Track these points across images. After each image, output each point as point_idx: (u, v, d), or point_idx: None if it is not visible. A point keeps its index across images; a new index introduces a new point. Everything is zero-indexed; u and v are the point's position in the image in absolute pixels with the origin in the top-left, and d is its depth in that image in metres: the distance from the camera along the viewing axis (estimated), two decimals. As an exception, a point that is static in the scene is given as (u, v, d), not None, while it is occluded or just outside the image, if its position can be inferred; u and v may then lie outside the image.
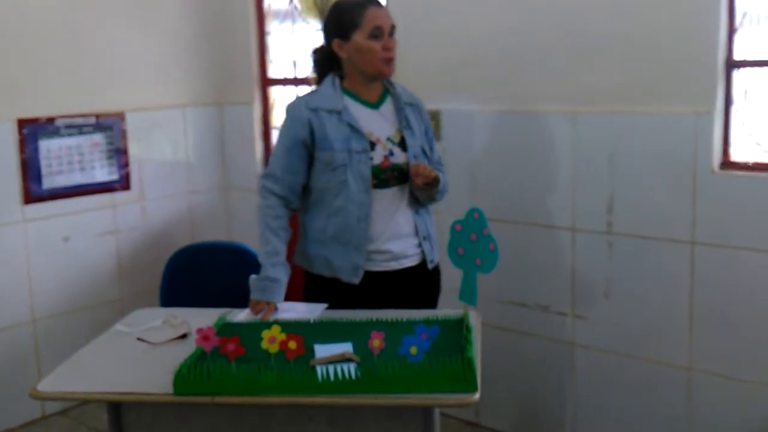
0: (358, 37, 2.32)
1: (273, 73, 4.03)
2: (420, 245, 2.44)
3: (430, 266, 2.46)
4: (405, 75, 3.32)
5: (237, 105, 4.06)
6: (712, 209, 2.67)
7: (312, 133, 2.34)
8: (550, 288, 3.07)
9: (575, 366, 3.06)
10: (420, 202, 2.43)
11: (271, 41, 4.02)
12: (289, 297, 2.39)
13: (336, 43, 2.37)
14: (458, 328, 2.08)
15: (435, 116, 3.25)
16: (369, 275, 2.38)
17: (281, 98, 4.05)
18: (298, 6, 3.90)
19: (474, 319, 2.16)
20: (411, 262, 2.43)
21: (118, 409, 2.00)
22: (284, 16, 3.96)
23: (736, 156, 2.70)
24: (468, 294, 2.05)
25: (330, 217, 2.36)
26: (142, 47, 3.77)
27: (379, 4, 2.38)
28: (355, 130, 2.33)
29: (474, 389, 1.80)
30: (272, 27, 4.01)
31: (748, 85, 2.66)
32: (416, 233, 2.43)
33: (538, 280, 3.11)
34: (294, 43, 3.94)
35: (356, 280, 2.36)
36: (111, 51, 3.65)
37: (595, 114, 2.88)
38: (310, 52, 2.51)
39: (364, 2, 2.34)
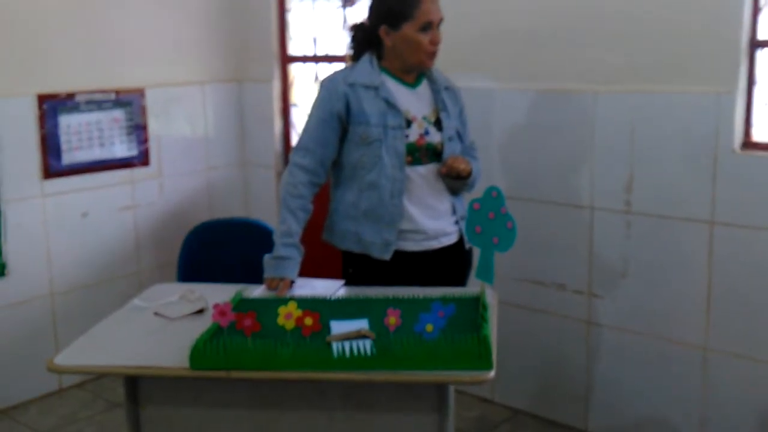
0: (408, 29, 2.31)
1: (293, 50, 4.02)
2: (457, 222, 2.44)
3: (467, 245, 2.46)
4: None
5: (256, 82, 4.05)
6: (732, 189, 2.65)
7: (348, 106, 2.34)
8: (567, 267, 3.06)
9: (591, 344, 3.05)
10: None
11: (291, 18, 4.00)
12: (324, 276, 2.40)
13: (383, 29, 2.35)
14: (475, 306, 2.08)
15: (453, 94, 3.23)
16: (405, 255, 2.38)
17: (301, 75, 4.03)
18: (317, -18, 3.88)
19: (491, 298, 2.15)
20: (450, 240, 2.44)
21: (134, 382, 2.02)
22: (304, -8, 3.94)
23: (757, 136, 2.66)
24: (485, 272, 2.05)
25: (363, 191, 2.36)
26: (161, 23, 3.77)
27: None
28: (391, 105, 2.33)
29: (489, 367, 1.80)
30: (292, 4, 3.99)
31: (773, 64, 2.62)
32: (453, 212, 2.44)
33: (555, 259, 3.10)
34: (314, 21, 3.92)
35: (387, 256, 2.35)
36: (131, 27, 3.65)
37: (616, 93, 2.85)
38: (348, 27, 2.49)
39: None
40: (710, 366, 2.77)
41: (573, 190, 3.00)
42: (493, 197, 1.99)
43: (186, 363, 1.85)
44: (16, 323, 3.39)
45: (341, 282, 2.35)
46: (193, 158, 3.96)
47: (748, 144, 2.66)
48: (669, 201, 2.78)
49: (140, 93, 3.70)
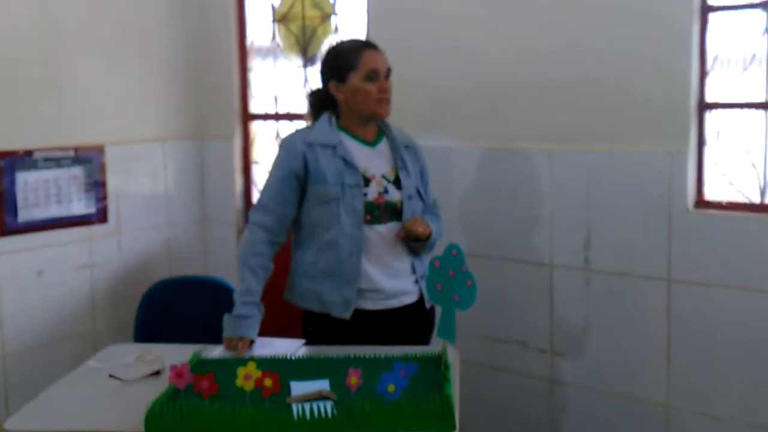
0: (355, 80, 2.36)
1: (254, 108, 4.04)
2: (417, 282, 2.44)
3: (428, 305, 2.46)
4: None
5: (217, 139, 4.06)
6: (687, 247, 2.70)
7: (306, 166, 2.36)
8: (528, 324, 3.08)
9: (554, 402, 3.05)
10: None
11: (253, 77, 4.04)
12: (284, 335, 2.37)
13: (332, 84, 2.40)
14: (437, 365, 2.07)
15: (414, 153, 3.28)
16: (365, 313, 2.37)
17: (262, 133, 4.06)
18: (281, 43, 3.93)
19: (452, 356, 2.15)
20: (410, 299, 2.43)
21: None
22: (266, 52, 3.99)
23: (710, 195, 2.74)
24: (446, 330, 2.04)
25: (321, 250, 2.36)
26: (122, 80, 3.77)
27: (375, 46, 2.42)
28: (349, 164, 2.35)
29: (452, 427, 1.79)
30: (254, 63, 4.04)
31: (721, 126, 2.71)
32: (413, 271, 2.44)
33: (516, 316, 3.11)
34: (275, 79, 3.96)
35: (347, 315, 2.34)
36: (91, 84, 3.64)
37: (571, 152, 2.92)
38: (306, 94, 2.54)
39: (360, 45, 2.40)
40: (672, 423, 2.78)
41: (533, 247, 3.04)
42: (453, 255, 2.00)
43: (142, 427, 1.80)
44: (-36, 386, 3.27)
45: (301, 341, 2.33)
46: (152, 215, 3.92)
47: (701, 203, 2.73)
48: (627, 258, 2.83)
49: (100, 150, 3.67)
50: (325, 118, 2.43)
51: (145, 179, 3.90)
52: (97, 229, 3.68)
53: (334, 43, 2.49)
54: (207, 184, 4.12)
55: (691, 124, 2.69)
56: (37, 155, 3.45)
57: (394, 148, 2.45)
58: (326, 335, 2.36)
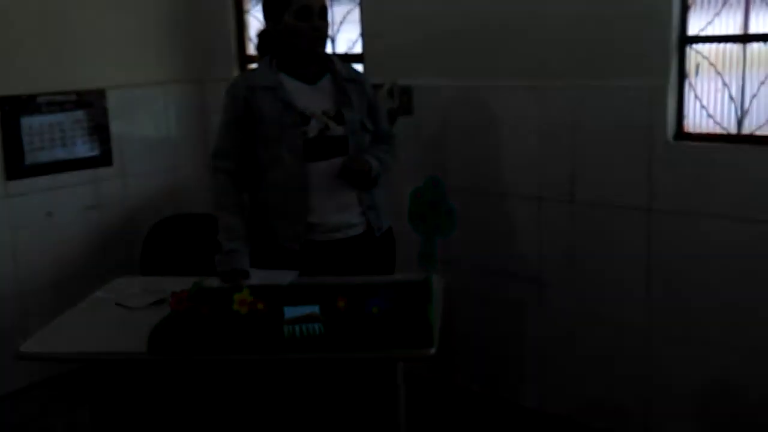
0: (288, 18, 2.41)
1: (251, 50, 4.11)
2: (364, 213, 2.53)
3: (377, 234, 2.56)
4: (378, 53, 3.45)
5: (217, 82, 4.12)
6: (667, 178, 2.79)
7: (249, 109, 2.44)
8: (517, 255, 3.20)
9: (541, 329, 3.19)
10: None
11: (250, 20, 4.09)
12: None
13: (270, 25, 2.47)
14: (420, 290, 2.20)
15: (407, 91, 3.36)
16: (314, 244, 2.47)
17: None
18: (275, -16, 3.97)
19: (436, 283, 2.27)
20: (355, 231, 2.53)
21: (97, 369, 2.10)
22: (261, -6, 4.04)
23: (690, 127, 2.82)
24: (428, 258, 2.16)
25: (269, 189, 2.47)
26: (123, 25, 3.84)
27: None
28: (287, 105, 2.42)
29: (431, 344, 1.92)
30: (250, 5, 4.09)
31: (701, 60, 2.77)
32: (360, 203, 2.52)
33: (505, 248, 3.23)
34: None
35: (296, 246, 2.45)
36: (91, 29, 3.71)
37: (556, 89, 2.99)
38: (254, 35, 2.61)
39: None
40: (653, 347, 2.92)
41: (521, 181, 3.14)
42: (434, 186, 2.11)
43: (145, 348, 1.95)
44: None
45: (295, 272, 2.44)
46: (156, 157, 4.03)
47: (681, 134, 2.81)
48: (610, 190, 2.92)
49: (101, 94, 3.77)
50: (265, 61, 2.50)
51: (148, 122, 4.00)
52: (102, 171, 3.80)
53: None
54: (208, 126, 4.21)
55: (672, 57, 2.75)
56: (40, 100, 3.55)
57: (338, 84, 2.51)
58: (280, 265, 2.46)
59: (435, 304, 2.11)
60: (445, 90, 3.29)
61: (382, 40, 3.41)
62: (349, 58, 3.56)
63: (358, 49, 3.59)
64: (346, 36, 3.67)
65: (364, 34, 3.51)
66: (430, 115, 3.35)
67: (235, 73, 4.09)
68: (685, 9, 2.75)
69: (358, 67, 3.35)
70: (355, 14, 3.58)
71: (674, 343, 2.87)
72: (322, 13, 2.45)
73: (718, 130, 2.77)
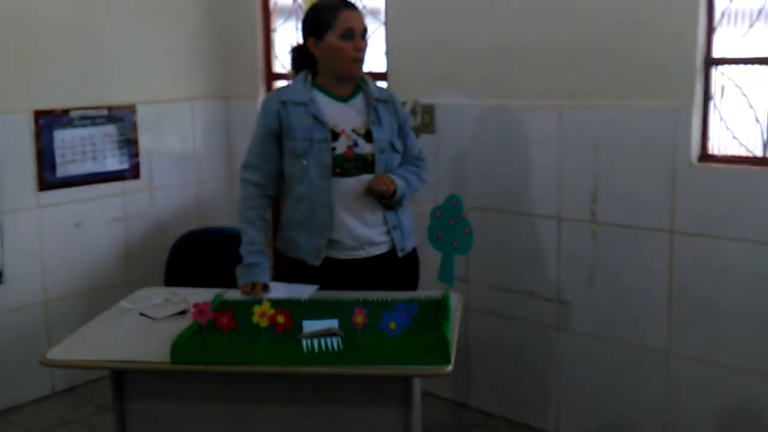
0: (331, 38, 2.46)
1: (277, 68, 4.18)
2: (389, 233, 2.55)
3: (400, 254, 2.57)
4: (403, 71, 3.49)
5: (242, 99, 4.21)
6: (690, 200, 2.79)
7: (280, 123, 2.49)
8: (536, 275, 3.20)
9: (560, 349, 3.18)
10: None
11: (276, 37, 4.16)
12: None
13: (311, 42, 2.52)
14: (438, 307, 2.22)
15: (429, 110, 3.39)
16: (335, 262, 2.50)
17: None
18: (302, 4, 4.04)
19: (455, 300, 2.29)
20: (379, 250, 2.55)
21: (120, 378, 2.15)
22: (289, 13, 4.11)
23: (714, 149, 2.81)
24: (446, 274, 2.19)
25: (296, 203, 2.51)
26: (152, 43, 3.93)
27: (353, 6, 2.52)
28: (318, 120, 2.47)
29: (447, 362, 1.94)
30: (277, 24, 4.16)
31: (726, 81, 2.77)
32: (385, 222, 2.55)
33: (525, 267, 3.23)
34: (297, 40, 4.08)
35: (317, 263, 2.49)
36: (122, 46, 3.81)
37: (579, 108, 3.00)
38: (288, 50, 2.66)
39: (338, 4, 2.49)
40: (672, 369, 2.90)
41: (541, 201, 3.15)
42: (453, 205, 2.13)
43: (168, 358, 1.99)
44: (12, 329, 3.52)
45: (314, 286, 2.47)
46: (182, 172, 4.11)
47: (705, 156, 2.81)
48: (631, 211, 2.92)
49: (131, 109, 3.85)
50: (300, 76, 2.55)
51: (175, 137, 4.08)
52: (130, 184, 3.88)
53: (315, 1, 2.58)
54: (233, 142, 4.28)
55: (696, 79, 2.75)
56: (72, 114, 3.64)
57: (368, 103, 2.55)
58: (301, 280, 2.50)
59: (452, 322, 2.13)
60: (467, 109, 3.32)
61: (407, 58, 3.45)
62: (373, 76, 3.60)
63: (382, 67, 3.63)
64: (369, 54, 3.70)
65: (389, 53, 3.56)
66: (452, 134, 3.38)
67: (261, 90, 4.16)
68: (710, 30, 2.75)
69: (383, 84, 3.39)
70: (380, 33, 3.63)
71: (695, 365, 2.85)
72: (364, 34, 2.50)
73: (743, 153, 2.76)
